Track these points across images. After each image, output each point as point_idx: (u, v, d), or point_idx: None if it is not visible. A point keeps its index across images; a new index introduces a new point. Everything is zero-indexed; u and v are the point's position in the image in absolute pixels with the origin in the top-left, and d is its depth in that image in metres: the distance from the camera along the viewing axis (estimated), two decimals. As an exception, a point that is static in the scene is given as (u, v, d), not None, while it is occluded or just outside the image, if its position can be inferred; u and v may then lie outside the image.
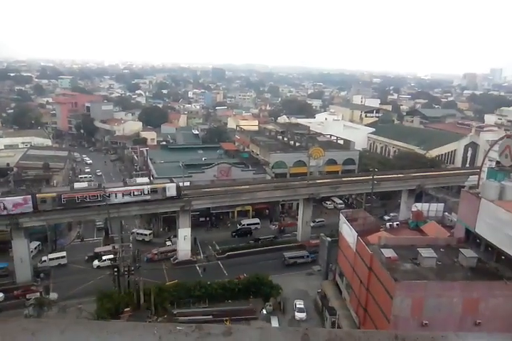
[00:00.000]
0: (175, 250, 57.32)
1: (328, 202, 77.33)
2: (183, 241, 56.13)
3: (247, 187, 62.46)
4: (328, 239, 49.12)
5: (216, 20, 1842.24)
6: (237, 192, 59.30)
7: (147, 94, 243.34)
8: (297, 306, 44.48)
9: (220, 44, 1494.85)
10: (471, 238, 35.98)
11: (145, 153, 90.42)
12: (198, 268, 54.94)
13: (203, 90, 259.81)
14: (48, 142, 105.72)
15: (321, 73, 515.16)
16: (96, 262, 55.36)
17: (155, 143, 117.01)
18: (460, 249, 33.96)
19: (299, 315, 43.48)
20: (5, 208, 48.28)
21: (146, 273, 47.25)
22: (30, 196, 49.97)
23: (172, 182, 57.15)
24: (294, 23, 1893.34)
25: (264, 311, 44.26)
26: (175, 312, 42.94)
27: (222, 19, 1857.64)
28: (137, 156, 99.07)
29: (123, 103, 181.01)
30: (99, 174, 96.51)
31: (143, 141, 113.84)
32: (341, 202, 77.91)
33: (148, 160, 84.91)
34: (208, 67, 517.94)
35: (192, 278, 49.14)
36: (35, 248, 57.21)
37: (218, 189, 61.21)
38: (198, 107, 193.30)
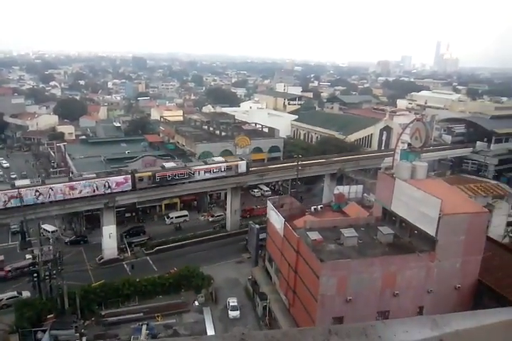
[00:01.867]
0: (34, 264, 47.68)
1: (256, 190, 78.34)
2: (109, 239, 53.97)
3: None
4: (257, 226, 49.82)
5: (134, 7, 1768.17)
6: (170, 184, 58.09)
7: (62, 85, 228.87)
8: (230, 304, 43.30)
9: (139, 32, 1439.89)
10: (388, 216, 38.06)
11: (62, 148, 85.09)
12: (125, 265, 53.19)
13: (123, 80, 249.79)
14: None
15: (244, 62, 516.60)
16: None
17: (73, 137, 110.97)
18: (378, 227, 35.75)
19: (232, 314, 42.42)
20: (109, 187, 53.01)
21: (69, 275, 44.99)
22: (129, 175, 54.82)
23: (242, 160, 64.18)
24: (215, 12, 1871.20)
25: (196, 303, 44.13)
26: (103, 314, 41.43)
27: (140, 7, 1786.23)
28: (54, 152, 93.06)
29: (36, 95, 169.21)
30: (13, 176, 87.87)
31: (60, 136, 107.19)
32: (268, 189, 79.29)
33: (67, 156, 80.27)
34: (128, 56, 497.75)
35: (120, 276, 47.40)
36: None
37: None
38: (118, 98, 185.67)
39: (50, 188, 49.95)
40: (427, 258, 32.49)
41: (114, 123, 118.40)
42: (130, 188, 54.96)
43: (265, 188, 79.10)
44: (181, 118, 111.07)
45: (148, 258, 55.12)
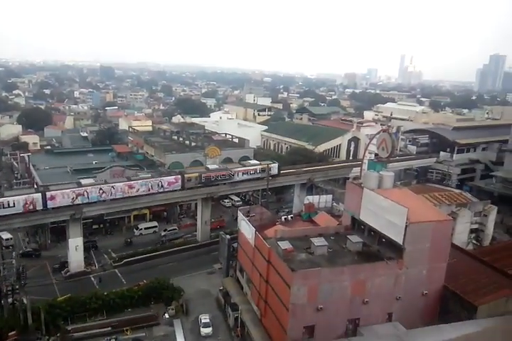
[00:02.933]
0: None
1: (226, 200, 78.13)
2: (75, 251, 52.43)
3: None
4: (228, 236, 49.58)
5: (103, 15, 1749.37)
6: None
7: (27, 94, 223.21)
8: (202, 321, 42.23)
9: (107, 41, 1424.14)
10: (357, 225, 38.77)
11: (26, 158, 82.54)
12: (93, 279, 51.75)
13: (90, 90, 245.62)
14: None
15: (214, 72, 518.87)
16: None
17: (38, 147, 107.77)
18: (347, 236, 36.29)
19: (204, 331, 41.32)
20: (162, 186, 57.35)
21: (33, 290, 43.44)
22: (179, 176, 59.15)
23: (274, 163, 68.36)
24: (185, 22, 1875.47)
25: (167, 315, 43.31)
26: (69, 329, 40.00)
27: (108, 14, 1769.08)
28: (17, 163, 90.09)
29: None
30: None
31: (23, 146, 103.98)
32: (239, 199, 79.19)
33: (31, 167, 77.87)
34: (96, 65, 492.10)
35: (87, 290, 46.00)
36: None
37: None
38: (85, 108, 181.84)
39: (112, 187, 53.92)
40: (395, 265, 33.20)
41: (81, 133, 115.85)
42: (180, 188, 58.81)
43: (236, 198, 79.01)
44: (150, 129, 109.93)
45: (116, 270, 53.73)
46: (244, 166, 65.57)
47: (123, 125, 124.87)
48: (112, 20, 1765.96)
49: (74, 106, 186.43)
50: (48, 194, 50.46)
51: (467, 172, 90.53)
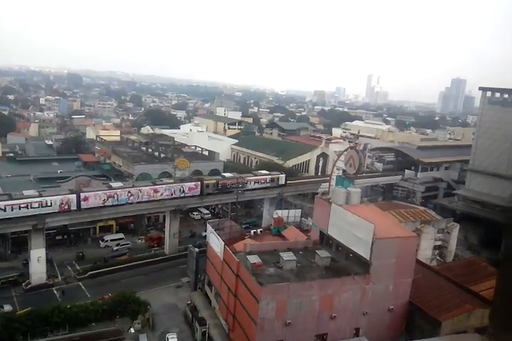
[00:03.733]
0: None
1: (195, 213, 77.56)
2: (37, 263, 50.56)
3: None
4: (196, 249, 49.25)
5: (72, 21, 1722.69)
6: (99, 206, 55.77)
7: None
8: (169, 340, 40.86)
9: (76, 47, 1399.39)
10: (325, 239, 39.42)
11: (-13, 166, 79.74)
12: (55, 291, 49.89)
13: (57, 97, 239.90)
14: None
15: (185, 84, 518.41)
16: None
17: (0, 154, 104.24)
18: (316, 251, 36.80)
19: None
20: (183, 191, 60.75)
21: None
22: (199, 182, 62.63)
23: (282, 173, 73.30)
24: (156, 33, 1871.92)
25: (132, 330, 42.24)
26: (28, 344, 38.40)
27: (78, 20, 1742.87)
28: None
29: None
30: None
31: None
32: (208, 212, 78.72)
33: (-9, 175, 75.07)
34: (63, 72, 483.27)
35: (49, 303, 44.25)
36: None
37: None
38: (51, 115, 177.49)
39: (139, 190, 57.16)
40: (362, 281, 33.88)
41: (46, 141, 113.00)
42: (199, 193, 62.51)
43: (205, 211, 78.51)
44: (118, 139, 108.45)
45: (80, 283, 52.02)
46: (256, 176, 69.80)
47: (90, 134, 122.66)
48: (81, 27, 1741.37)
49: (39, 113, 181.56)
50: (82, 195, 53.23)
51: (431, 190, 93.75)
